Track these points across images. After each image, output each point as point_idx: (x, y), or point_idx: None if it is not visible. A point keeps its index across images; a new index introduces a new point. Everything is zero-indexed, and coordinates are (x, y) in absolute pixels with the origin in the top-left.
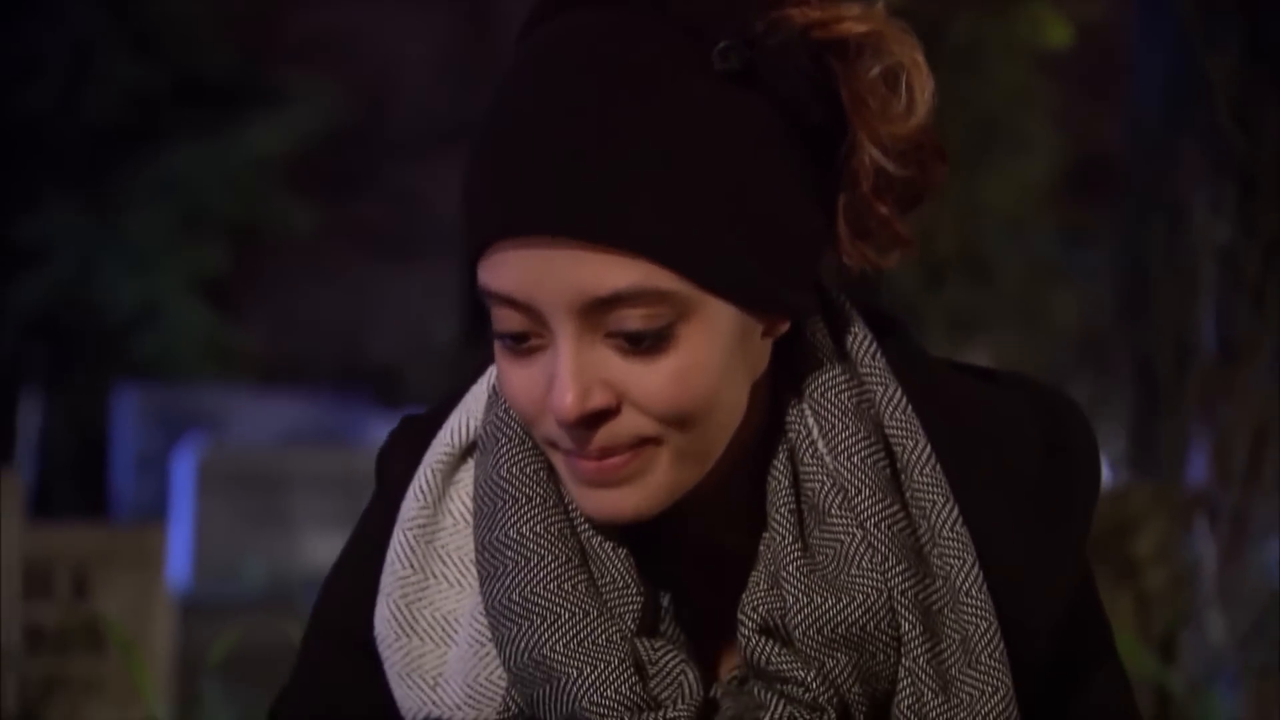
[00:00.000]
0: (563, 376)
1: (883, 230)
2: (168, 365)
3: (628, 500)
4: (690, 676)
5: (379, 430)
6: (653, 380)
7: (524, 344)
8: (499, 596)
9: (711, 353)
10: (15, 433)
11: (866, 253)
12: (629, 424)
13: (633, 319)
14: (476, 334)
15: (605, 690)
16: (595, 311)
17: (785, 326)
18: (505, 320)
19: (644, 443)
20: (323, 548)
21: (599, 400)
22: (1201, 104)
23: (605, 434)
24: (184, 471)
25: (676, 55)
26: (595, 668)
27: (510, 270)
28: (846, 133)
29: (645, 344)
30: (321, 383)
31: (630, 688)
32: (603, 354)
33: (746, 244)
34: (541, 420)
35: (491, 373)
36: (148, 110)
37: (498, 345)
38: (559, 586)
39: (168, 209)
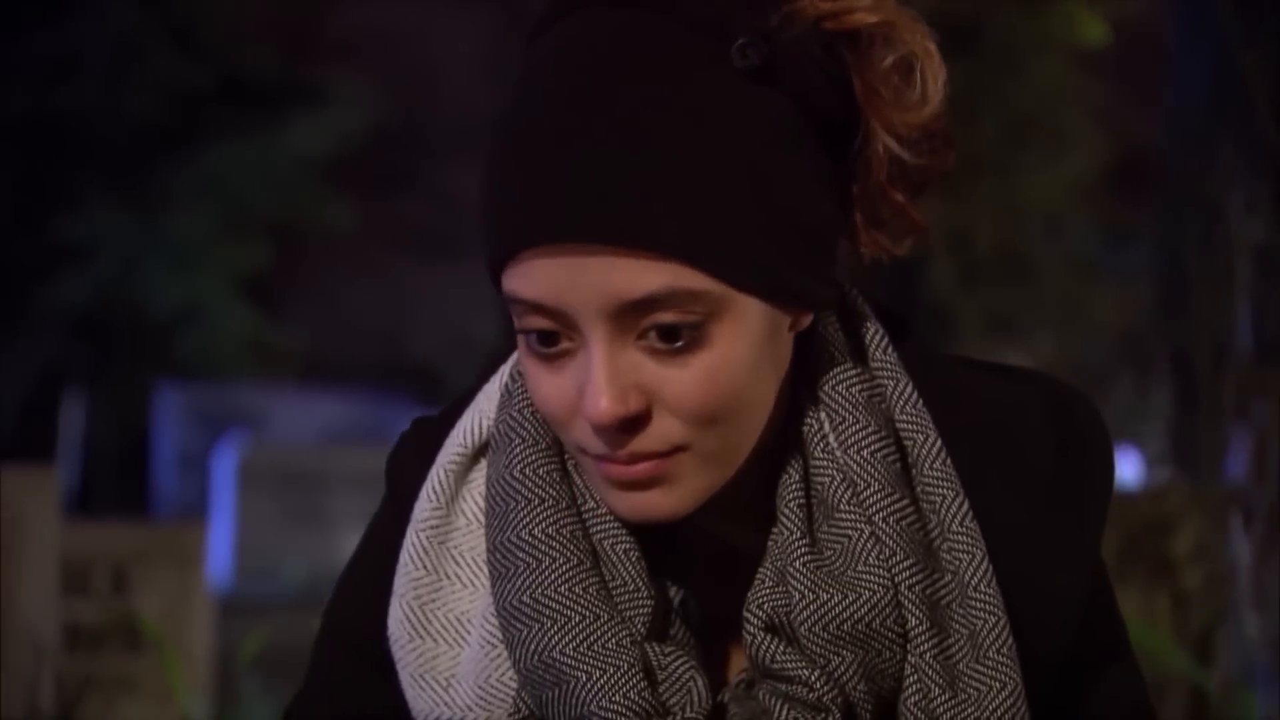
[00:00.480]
0: (597, 381)
1: (897, 218)
2: (209, 364)
3: (662, 501)
4: (699, 683)
5: None
6: (684, 380)
7: (553, 346)
8: (510, 598)
9: (742, 350)
10: (58, 431)
11: (881, 241)
12: (661, 429)
13: (666, 315)
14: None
15: (614, 695)
16: (628, 315)
17: (809, 320)
18: (533, 321)
19: (675, 450)
20: None
21: (633, 404)
22: (1239, 102)
23: (637, 440)
24: (224, 470)
25: (694, 53)
26: (605, 672)
27: (540, 278)
28: (860, 123)
29: (679, 343)
30: (362, 381)
31: (639, 693)
32: (635, 358)
33: (773, 240)
34: (572, 425)
35: (504, 372)
36: (189, 110)
37: (525, 350)
38: (570, 589)
39: (209, 208)
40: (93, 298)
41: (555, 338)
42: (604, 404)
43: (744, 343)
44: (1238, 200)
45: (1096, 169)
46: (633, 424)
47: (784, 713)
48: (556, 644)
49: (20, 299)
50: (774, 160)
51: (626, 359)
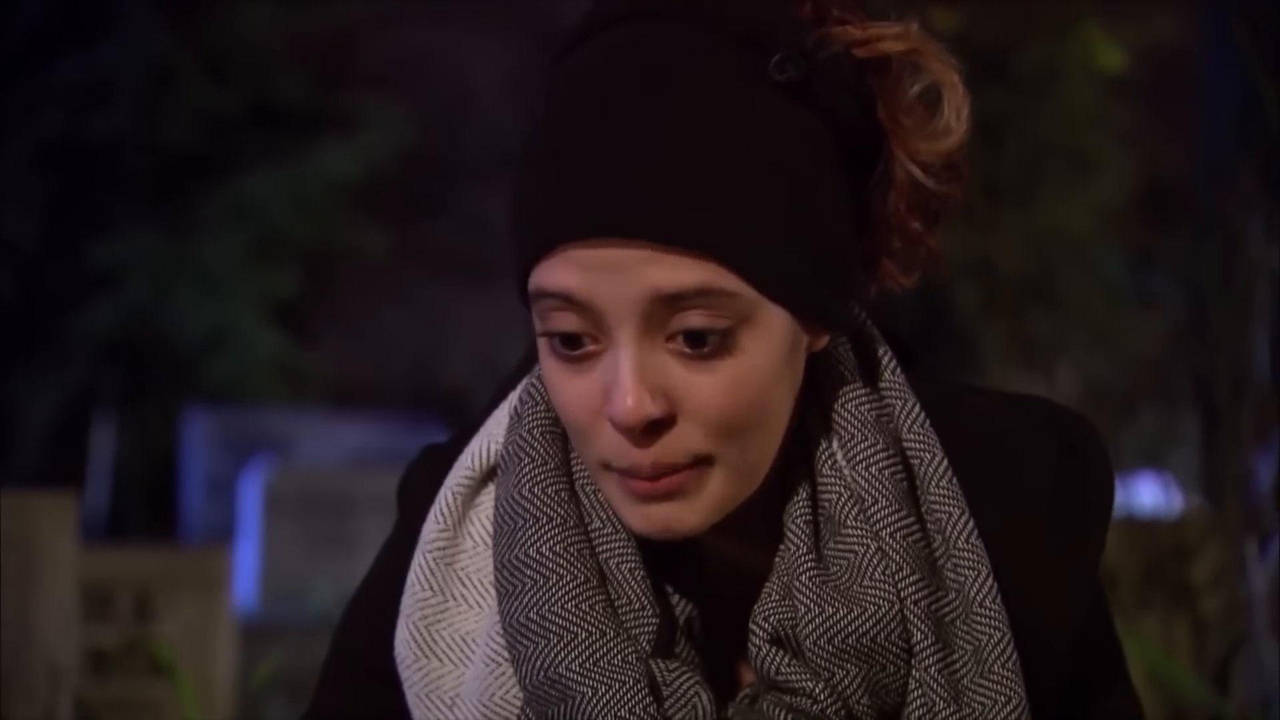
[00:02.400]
0: (624, 380)
1: (912, 246)
2: (239, 389)
3: (682, 516)
4: (704, 698)
5: None
6: (709, 387)
7: (577, 349)
8: (517, 614)
9: (767, 361)
10: (88, 456)
11: (891, 270)
12: (683, 438)
13: (696, 316)
14: None
15: (619, 710)
16: (659, 311)
17: (825, 340)
18: (558, 321)
19: (697, 462)
20: None
21: (658, 407)
22: (1261, 128)
23: (660, 448)
24: (251, 494)
25: (735, 65)
26: (610, 688)
27: (573, 269)
28: (882, 150)
29: (707, 347)
30: (391, 406)
31: (644, 708)
32: (663, 360)
33: (804, 252)
34: (595, 433)
35: (513, 398)
36: (221, 135)
37: (548, 355)
38: (576, 606)
39: (240, 233)
40: (123, 322)
41: (579, 340)
42: (630, 403)
43: (769, 354)
44: (1257, 227)
45: (1123, 195)
46: (656, 428)
47: None
48: (562, 660)
49: (50, 323)
50: (807, 176)
51: (654, 360)
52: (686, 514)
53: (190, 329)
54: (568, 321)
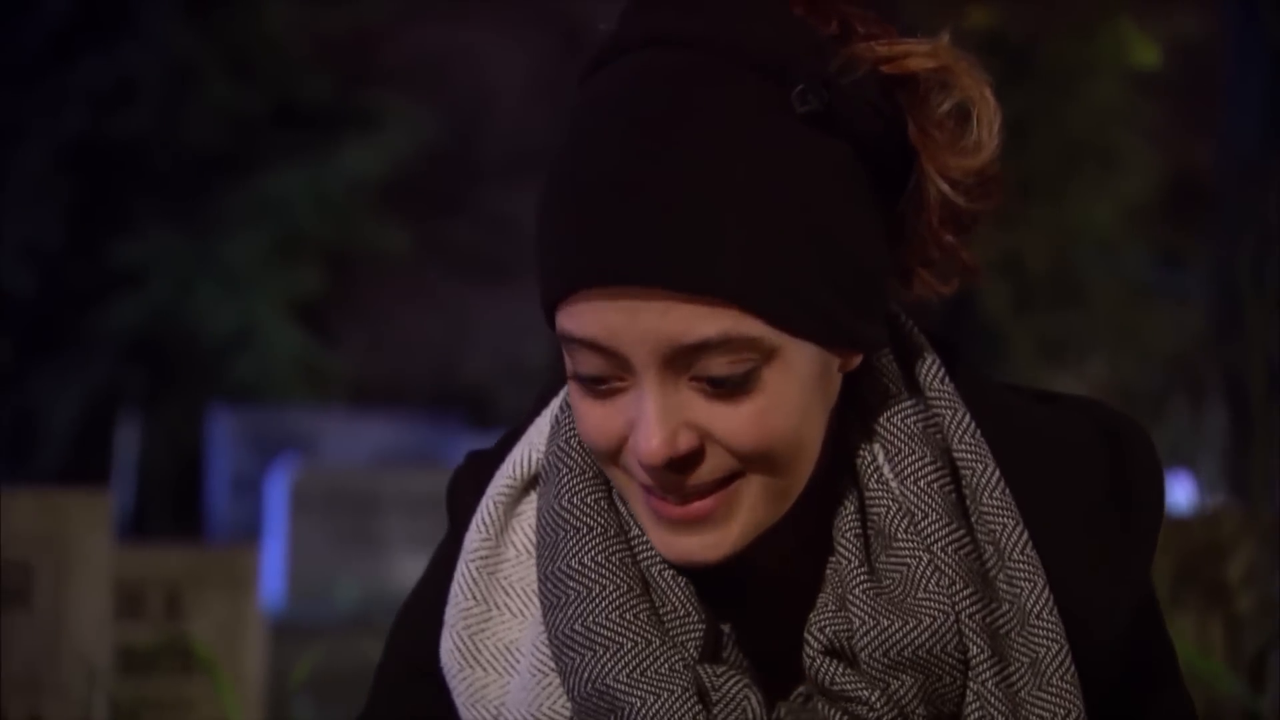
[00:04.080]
0: (649, 421)
1: (948, 258)
2: (262, 387)
3: (705, 549)
4: (754, 701)
5: None
6: (736, 420)
7: (603, 386)
8: (562, 626)
9: (794, 393)
10: (112, 454)
11: (929, 279)
12: (714, 463)
13: (718, 365)
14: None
15: (670, 719)
16: (681, 357)
17: (859, 360)
18: (585, 363)
19: (730, 479)
20: (415, 569)
21: (684, 443)
22: None
23: (689, 476)
24: (277, 492)
25: (754, 98)
26: (659, 696)
27: (596, 317)
28: (913, 166)
29: (730, 386)
30: (413, 405)
31: (694, 715)
32: (687, 396)
33: (828, 285)
34: (617, 459)
35: (554, 405)
36: (243, 134)
37: (574, 385)
38: (621, 616)
39: (263, 232)
40: (146, 321)
41: (605, 380)
42: (655, 444)
43: (795, 386)
44: None
45: (1149, 192)
46: (683, 463)
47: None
48: (610, 671)
49: (74, 322)
50: (831, 206)
51: (678, 398)
52: (710, 547)
53: (213, 328)
54: (593, 364)
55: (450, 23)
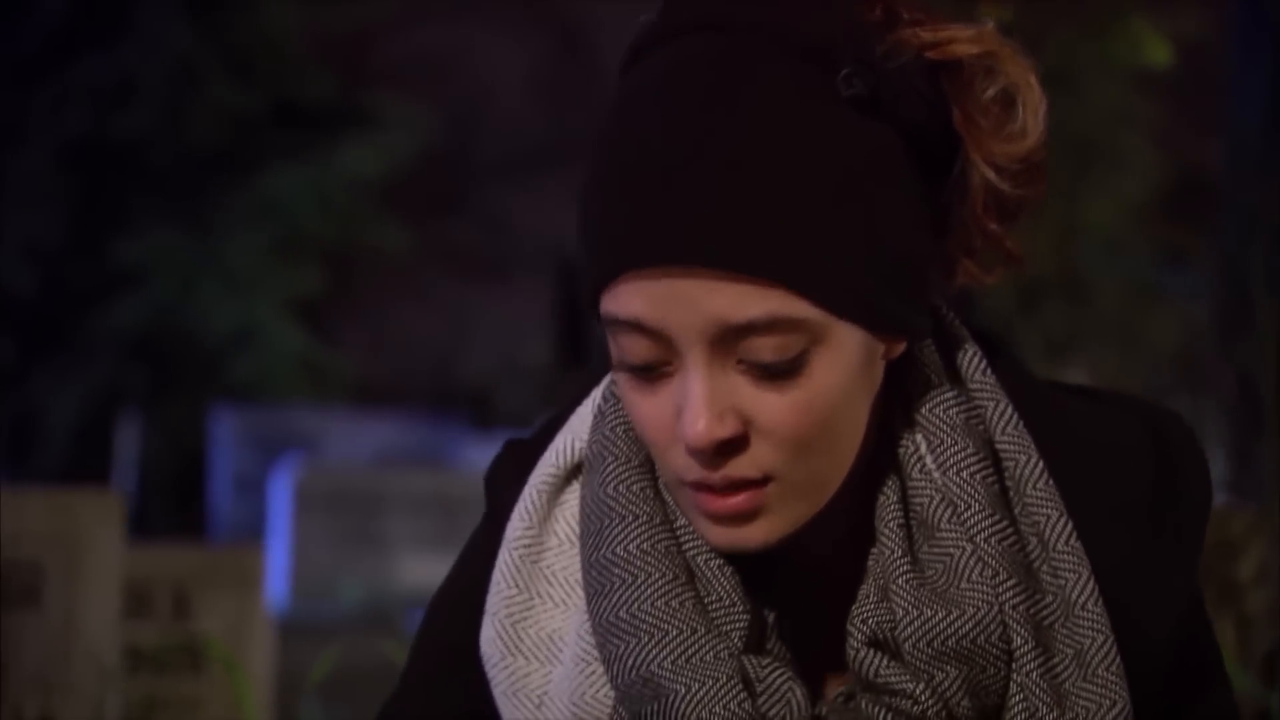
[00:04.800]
0: (695, 404)
1: (991, 246)
2: (263, 387)
3: (754, 534)
4: (798, 694)
5: (473, 452)
6: (781, 407)
7: (650, 373)
8: (606, 614)
9: (840, 378)
10: (114, 454)
11: (972, 269)
12: (756, 456)
13: (766, 348)
14: (569, 357)
15: (714, 707)
16: (728, 339)
17: (902, 347)
18: (631, 349)
19: (768, 479)
20: (418, 568)
21: (730, 428)
22: None
23: (732, 465)
24: (280, 492)
25: (802, 81)
26: (704, 684)
27: (642, 298)
28: (958, 152)
29: (777, 370)
30: (414, 404)
31: (739, 704)
32: (734, 381)
33: (875, 269)
34: (670, 449)
35: (596, 395)
36: (244, 134)
37: (621, 373)
38: (666, 604)
39: (264, 232)
40: (148, 321)
41: (652, 366)
42: (701, 426)
43: (841, 371)
44: None
45: (1151, 191)
46: (728, 448)
47: (885, 718)
48: (654, 658)
49: (75, 322)
50: (877, 189)
51: (725, 382)
52: (756, 532)
53: (214, 327)
54: (639, 348)
55: (450, 23)
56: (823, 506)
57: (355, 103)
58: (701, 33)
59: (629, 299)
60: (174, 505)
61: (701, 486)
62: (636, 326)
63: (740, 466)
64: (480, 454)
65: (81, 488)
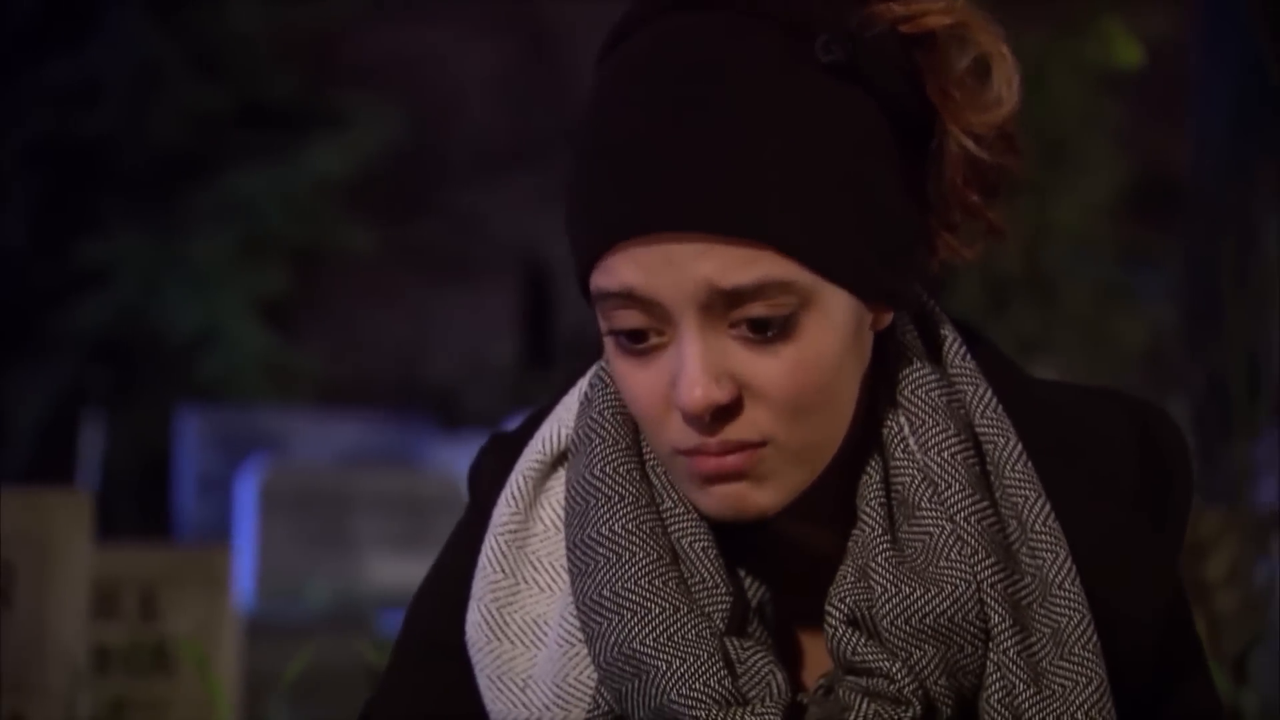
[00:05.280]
0: (690, 369)
1: (972, 220)
2: (229, 387)
3: (754, 496)
4: (779, 677)
5: (440, 452)
6: (775, 369)
7: (642, 343)
8: (590, 592)
9: (831, 342)
10: (77, 454)
11: (953, 244)
12: (751, 420)
13: (757, 308)
14: (535, 358)
15: (694, 683)
16: (719, 304)
17: (889, 318)
18: (622, 319)
19: (763, 442)
20: (385, 568)
21: (726, 392)
22: (1273, 124)
23: (728, 428)
24: (247, 492)
25: (780, 50)
26: (685, 661)
27: (633, 267)
28: (935, 124)
29: (770, 333)
30: (380, 404)
31: (719, 681)
32: (727, 345)
33: (862, 232)
34: (665, 422)
35: (582, 384)
36: (210, 133)
37: (614, 350)
38: (650, 582)
39: (229, 231)
40: (112, 321)
41: (644, 335)
42: (698, 392)
43: (832, 335)
44: (1275, 224)
45: (1115, 191)
46: (724, 413)
47: (865, 708)
48: (636, 635)
49: (40, 322)
50: (860, 156)
51: (718, 346)
52: (757, 494)
53: (179, 327)
54: (631, 318)
55: (417, 23)
56: (815, 479)
57: (322, 103)
58: (678, 12)
59: (620, 270)
60: (138, 506)
61: (697, 451)
62: (628, 296)
63: (738, 430)
64: (447, 454)
65: (50, 488)
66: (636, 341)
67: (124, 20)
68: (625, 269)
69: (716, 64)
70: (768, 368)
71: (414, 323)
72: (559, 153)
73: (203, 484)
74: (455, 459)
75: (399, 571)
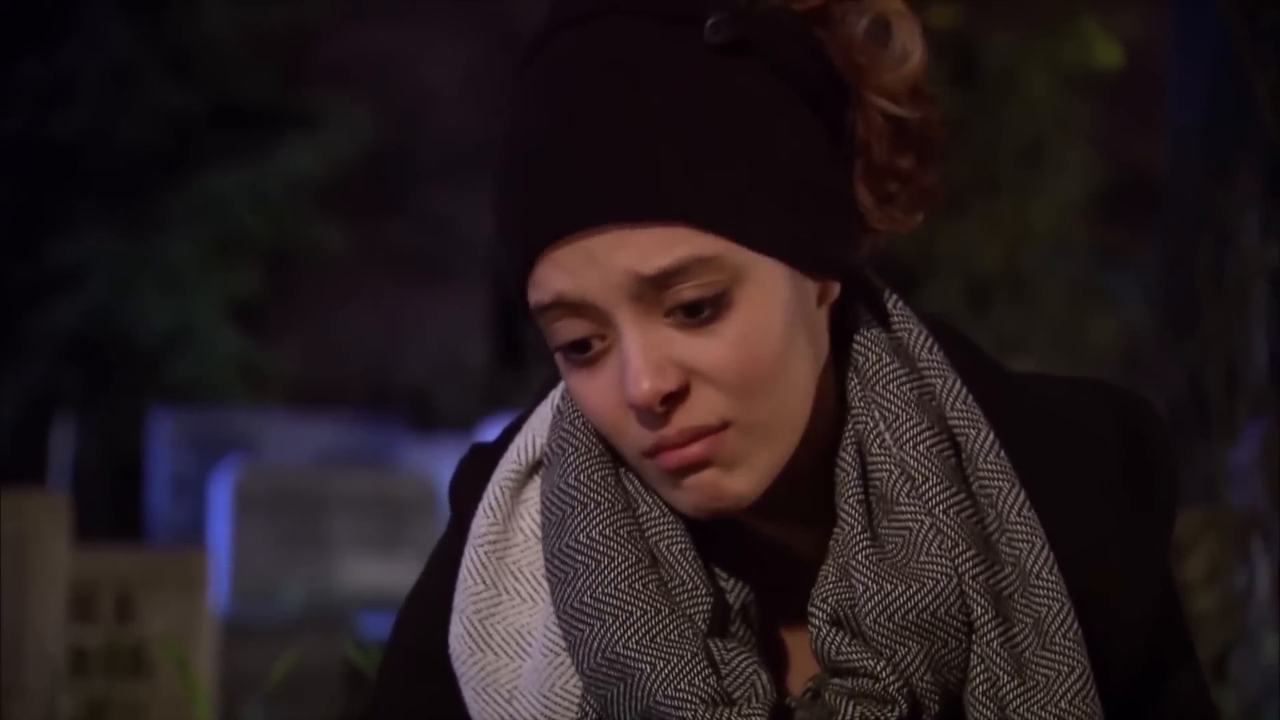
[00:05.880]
0: (634, 363)
1: (907, 187)
2: (201, 388)
3: (724, 484)
4: (763, 678)
5: (414, 453)
6: (718, 349)
7: (587, 352)
8: (571, 600)
9: (770, 314)
10: (49, 456)
11: (894, 215)
12: (704, 403)
13: (687, 290)
14: (508, 358)
15: (679, 683)
16: (649, 291)
17: (835, 290)
18: (563, 331)
19: (724, 425)
20: (360, 570)
21: (673, 379)
22: (1253, 124)
23: (683, 416)
24: (221, 493)
25: (669, 39)
26: (669, 661)
27: (558, 273)
28: (848, 94)
29: (705, 314)
30: (353, 405)
31: (704, 680)
32: (666, 334)
33: (777, 198)
34: (625, 427)
35: (554, 396)
36: (182, 133)
37: (563, 364)
38: (630, 586)
39: (201, 232)
40: (84, 321)
41: (587, 344)
42: (645, 384)
43: (771, 308)
44: (1252, 221)
45: (1089, 191)
46: (675, 399)
47: (851, 711)
48: (619, 638)
49: (11, 322)
50: (768, 128)
51: (658, 335)
52: (730, 481)
53: (152, 328)
54: (571, 329)
55: (390, 23)
56: (787, 481)
57: (294, 103)
58: (566, 29)
59: (548, 280)
60: (110, 508)
61: (659, 448)
62: (560, 304)
63: (693, 416)
64: (421, 455)
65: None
66: (581, 351)
67: (95, 19)
68: (553, 277)
69: (607, 65)
70: (710, 349)
71: (386, 323)
72: None
73: (175, 485)
74: (430, 460)
75: (374, 573)
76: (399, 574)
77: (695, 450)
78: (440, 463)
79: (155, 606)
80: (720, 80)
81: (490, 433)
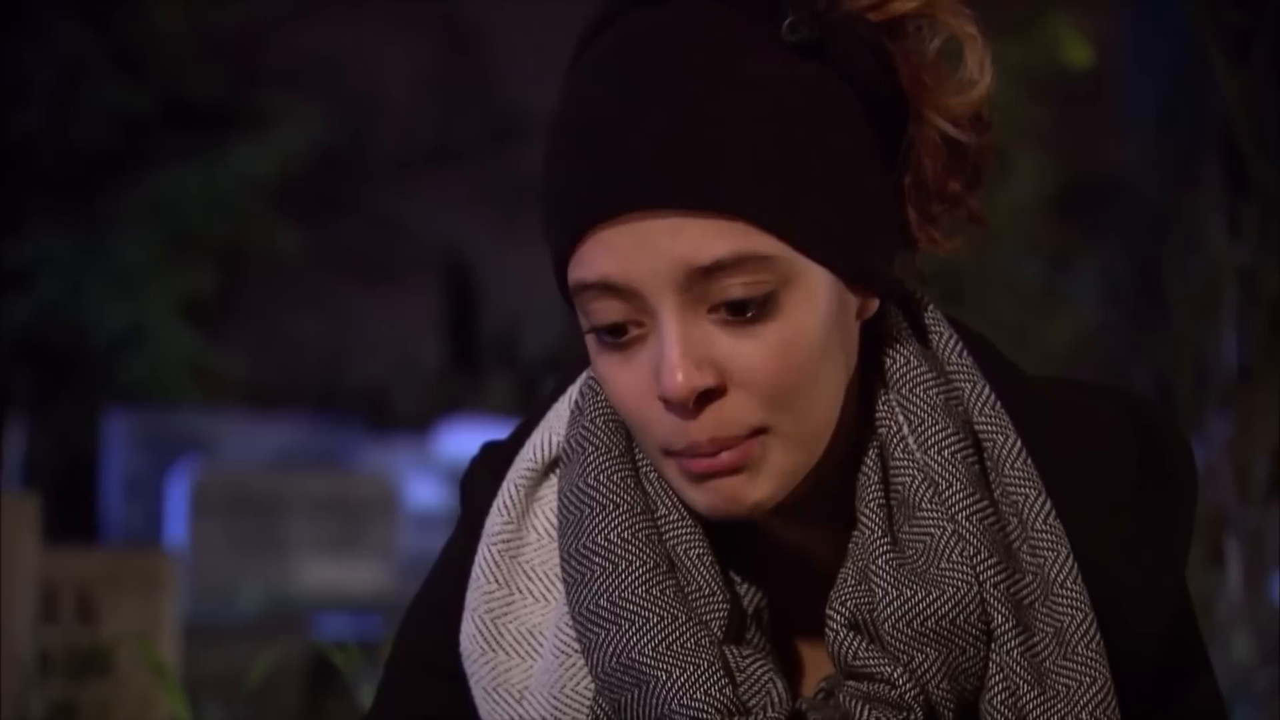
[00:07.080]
0: (670, 356)
1: (952, 209)
2: (153, 388)
3: (745, 491)
4: (779, 685)
5: (369, 453)
6: (758, 352)
7: (623, 337)
8: (587, 602)
9: (813, 323)
10: (1, 456)
11: (934, 235)
12: (737, 409)
13: (735, 287)
14: (460, 359)
15: (695, 693)
16: (698, 283)
17: (874, 306)
18: (600, 312)
19: (753, 434)
20: (318, 570)
21: (708, 377)
22: (1214, 122)
23: (714, 421)
24: (178, 495)
25: (748, 33)
26: (685, 670)
27: (606, 254)
28: (909, 111)
29: (749, 314)
30: (305, 405)
31: (720, 690)
32: (707, 331)
33: (836, 208)
34: (651, 418)
35: (573, 392)
36: (133, 133)
37: (594, 346)
38: (647, 591)
39: (154, 232)
40: (36, 321)
41: (624, 328)
42: (680, 377)
43: (814, 317)
44: (1219, 224)
45: (1043, 194)
46: (707, 401)
47: (866, 715)
48: (635, 645)
49: None
50: (831, 131)
51: (699, 332)
52: (751, 487)
53: (104, 328)
54: (610, 310)
55: (341, 22)
56: (810, 483)
57: (246, 103)
58: (643, 8)
59: (594, 259)
60: (63, 508)
61: (689, 453)
62: (605, 286)
63: (726, 426)
64: (377, 455)
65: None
66: (616, 335)
67: (47, 20)
68: (600, 257)
69: (680, 49)
70: (749, 351)
71: (338, 323)
72: (484, 153)
73: (130, 486)
74: (385, 460)
75: (331, 574)
76: (356, 574)
77: (725, 460)
78: (396, 463)
79: (117, 608)
80: (791, 80)
81: (446, 433)
